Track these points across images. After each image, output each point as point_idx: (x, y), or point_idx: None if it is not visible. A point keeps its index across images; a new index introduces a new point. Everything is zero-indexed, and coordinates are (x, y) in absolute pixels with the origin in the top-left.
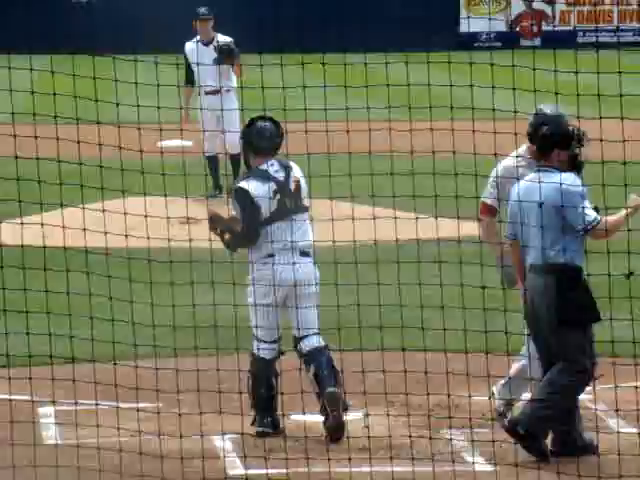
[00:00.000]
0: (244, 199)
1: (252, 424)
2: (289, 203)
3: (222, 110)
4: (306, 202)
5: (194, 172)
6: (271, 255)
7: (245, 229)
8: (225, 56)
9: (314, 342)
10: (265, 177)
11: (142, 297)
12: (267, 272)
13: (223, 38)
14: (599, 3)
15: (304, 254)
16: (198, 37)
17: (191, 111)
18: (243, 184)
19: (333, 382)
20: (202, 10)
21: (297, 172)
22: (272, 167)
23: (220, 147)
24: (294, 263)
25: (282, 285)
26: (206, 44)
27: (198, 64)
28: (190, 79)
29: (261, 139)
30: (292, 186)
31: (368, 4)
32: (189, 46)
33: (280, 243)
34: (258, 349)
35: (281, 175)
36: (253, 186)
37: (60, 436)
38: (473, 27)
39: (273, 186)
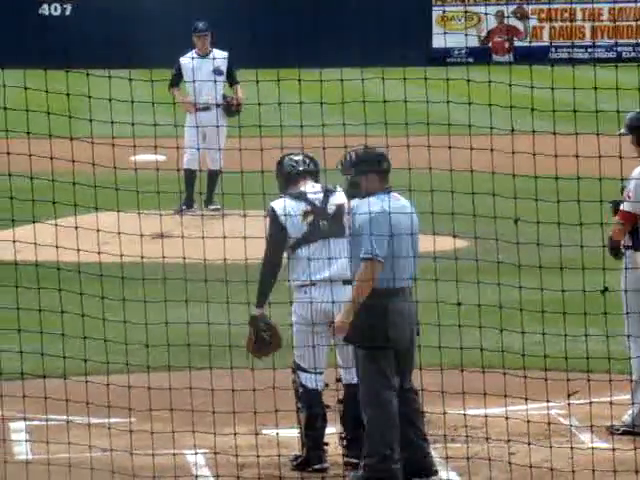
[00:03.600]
0: (271, 219)
1: (299, 462)
2: (324, 225)
3: (217, 126)
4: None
5: (168, 187)
6: (310, 284)
7: (267, 251)
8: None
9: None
10: (298, 197)
11: (114, 313)
12: (306, 301)
13: (219, 53)
14: (572, 19)
15: (347, 282)
16: (194, 51)
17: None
18: (274, 203)
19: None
20: (200, 25)
21: (342, 199)
22: (312, 189)
23: (200, 162)
24: (333, 301)
25: (321, 318)
26: (203, 57)
27: (194, 81)
28: (175, 82)
29: (293, 167)
30: (331, 210)
31: (343, 20)
32: (185, 61)
33: (318, 271)
34: (307, 380)
35: (318, 197)
36: (282, 204)
37: (31, 452)
38: (446, 43)
39: (305, 206)
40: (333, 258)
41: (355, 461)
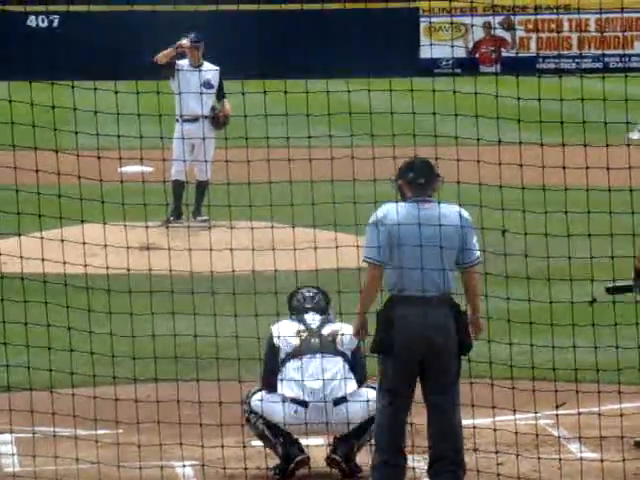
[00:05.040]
0: (266, 340)
1: (280, 463)
2: (315, 342)
3: (204, 138)
4: (342, 349)
5: (155, 198)
6: (300, 403)
7: (262, 373)
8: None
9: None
10: (296, 319)
11: (101, 325)
12: (277, 411)
13: (210, 66)
14: (559, 30)
15: (339, 402)
16: (186, 61)
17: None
18: (273, 326)
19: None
20: (193, 36)
21: (339, 327)
22: (312, 316)
23: (188, 174)
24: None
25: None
26: (194, 68)
27: (180, 93)
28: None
29: (300, 303)
30: (325, 331)
31: (329, 31)
32: (178, 64)
33: (310, 391)
34: (256, 407)
35: (315, 323)
36: (278, 325)
37: (18, 465)
38: (433, 53)
39: (300, 326)
40: (326, 379)
41: (338, 459)
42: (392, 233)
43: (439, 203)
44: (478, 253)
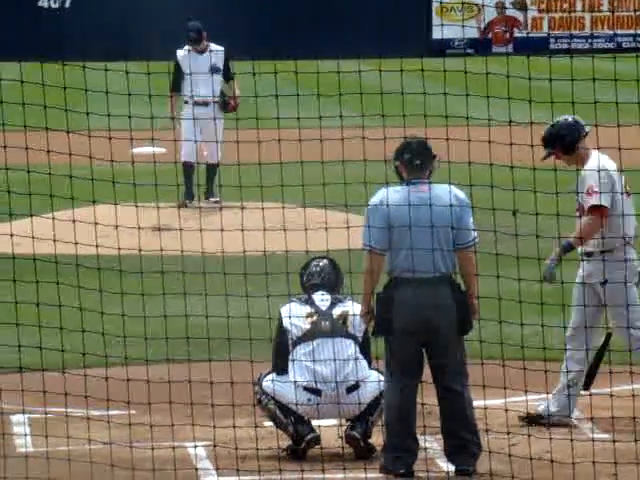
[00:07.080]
0: (277, 323)
1: (293, 443)
2: (326, 325)
3: (214, 119)
4: (353, 331)
5: (166, 179)
6: (300, 386)
7: (273, 355)
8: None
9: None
10: (305, 301)
11: (113, 306)
12: (288, 393)
13: (216, 47)
14: (572, 10)
15: (351, 389)
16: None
17: (178, 120)
18: (282, 308)
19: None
20: (192, 34)
21: (349, 307)
22: (321, 296)
23: (198, 155)
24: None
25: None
26: (200, 52)
27: (191, 73)
28: (178, 86)
29: (312, 275)
30: (336, 313)
31: (341, 11)
32: (181, 54)
33: (322, 377)
34: (267, 388)
35: (324, 304)
36: (287, 308)
37: (31, 445)
38: (445, 34)
39: (308, 309)
40: (339, 360)
41: (357, 435)
42: (389, 218)
43: (433, 184)
44: (474, 234)
